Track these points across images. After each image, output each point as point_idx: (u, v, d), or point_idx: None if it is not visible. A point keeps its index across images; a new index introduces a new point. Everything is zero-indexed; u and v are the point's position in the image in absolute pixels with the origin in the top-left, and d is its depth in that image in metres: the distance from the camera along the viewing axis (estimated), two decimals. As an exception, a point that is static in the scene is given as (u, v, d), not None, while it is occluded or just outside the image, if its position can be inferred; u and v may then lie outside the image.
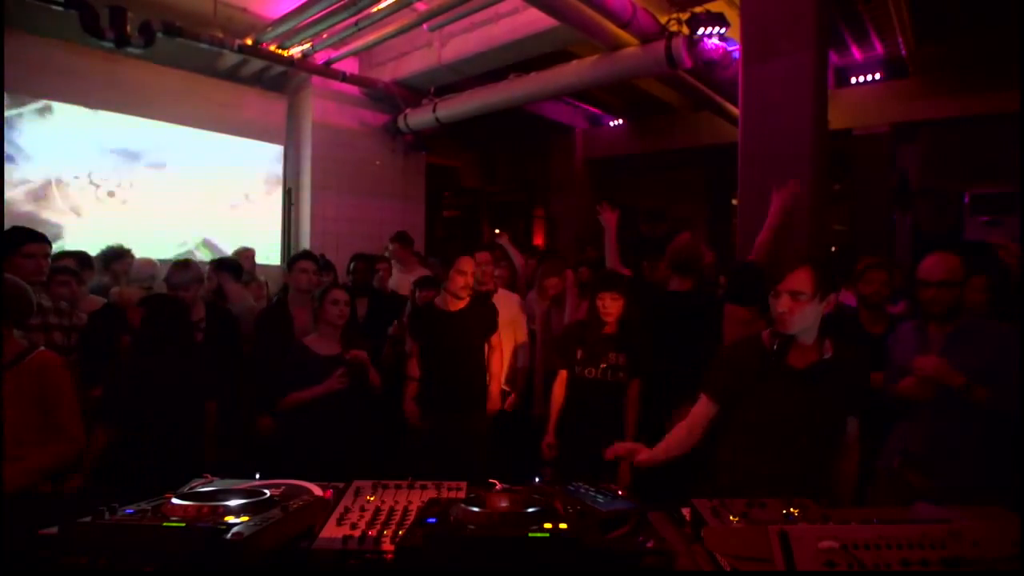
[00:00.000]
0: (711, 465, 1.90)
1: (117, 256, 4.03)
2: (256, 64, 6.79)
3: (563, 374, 2.82)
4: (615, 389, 2.70)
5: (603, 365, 2.71)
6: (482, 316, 3.05)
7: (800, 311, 1.72)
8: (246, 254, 5.00)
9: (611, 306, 2.69)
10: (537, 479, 1.50)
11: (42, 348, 1.97)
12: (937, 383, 1.98)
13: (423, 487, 1.44)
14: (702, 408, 1.89)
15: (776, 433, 1.77)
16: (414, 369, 3.04)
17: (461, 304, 2.95)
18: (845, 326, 2.83)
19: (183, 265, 3.19)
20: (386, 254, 5.01)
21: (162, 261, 4.38)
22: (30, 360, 1.90)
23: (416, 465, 2.85)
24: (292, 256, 3.84)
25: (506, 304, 3.50)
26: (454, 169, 10.70)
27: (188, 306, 2.94)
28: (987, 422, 2.01)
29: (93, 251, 4.09)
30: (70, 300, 2.96)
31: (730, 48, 5.46)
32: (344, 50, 6.66)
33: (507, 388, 3.40)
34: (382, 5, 5.45)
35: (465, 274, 2.90)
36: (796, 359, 1.78)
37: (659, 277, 3.96)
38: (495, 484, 1.40)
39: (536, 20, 5.72)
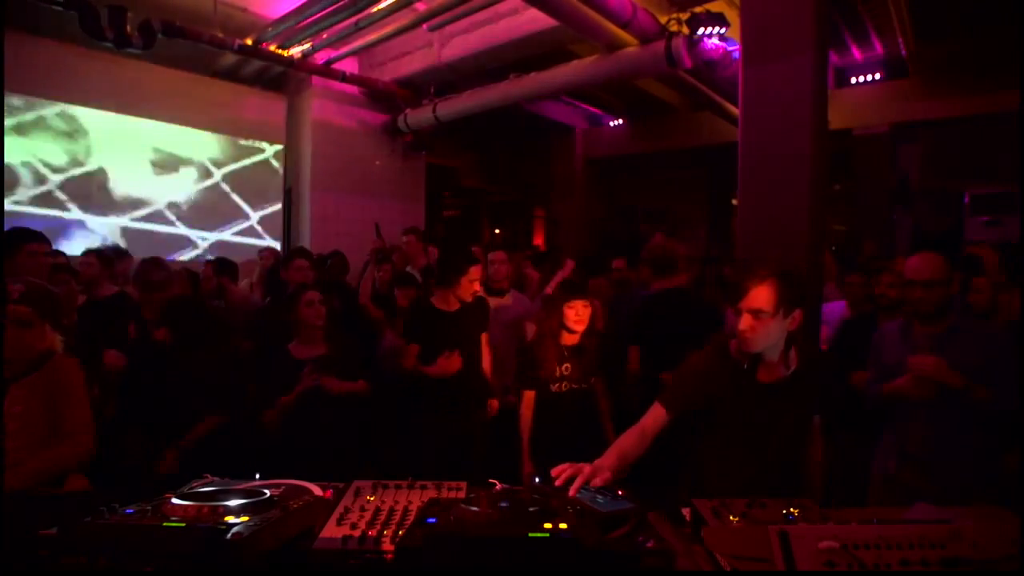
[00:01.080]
0: (693, 469, 1.90)
1: (117, 257, 4.04)
2: (256, 64, 6.79)
3: (530, 395, 2.72)
4: (588, 395, 2.71)
5: (577, 375, 2.68)
6: (477, 314, 3.05)
7: (763, 329, 1.66)
8: (269, 253, 4.94)
9: (583, 313, 2.65)
10: (537, 479, 1.50)
11: (58, 353, 1.96)
12: (935, 383, 1.98)
13: (423, 487, 1.44)
14: (658, 415, 1.76)
15: (746, 446, 1.77)
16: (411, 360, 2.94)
17: (456, 304, 2.94)
18: (863, 328, 2.83)
19: (154, 263, 3.11)
20: (403, 247, 5.00)
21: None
22: (48, 366, 1.91)
23: (416, 465, 2.84)
24: (286, 254, 3.84)
25: (518, 305, 3.56)
26: (454, 169, 10.71)
27: (211, 309, 2.95)
28: (985, 422, 2.01)
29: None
30: (68, 298, 2.95)
31: (730, 48, 5.46)
32: (344, 50, 6.66)
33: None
34: (382, 5, 5.45)
35: (475, 281, 2.90)
36: (763, 375, 1.76)
37: (642, 278, 4.00)
38: (495, 484, 1.40)
39: (536, 20, 5.72)
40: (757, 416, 1.75)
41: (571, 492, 1.36)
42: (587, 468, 1.44)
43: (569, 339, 2.69)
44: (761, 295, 1.66)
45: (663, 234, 3.30)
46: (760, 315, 1.66)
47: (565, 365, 2.69)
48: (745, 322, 1.67)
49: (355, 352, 2.91)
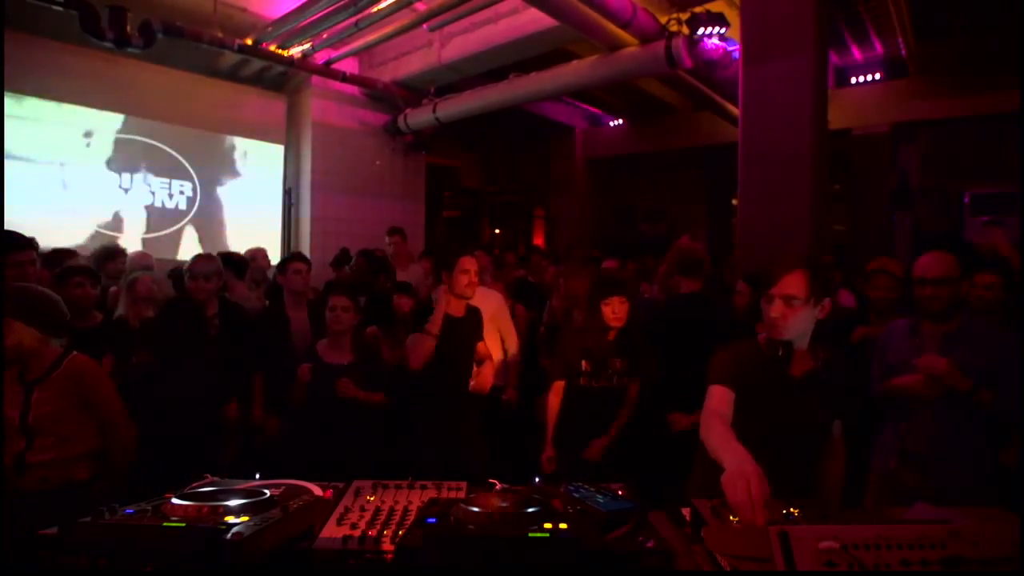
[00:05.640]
0: (698, 465, 1.89)
1: (110, 256, 3.99)
2: (256, 64, 6.79)
3: (559, 384, 2.78)
4: (616, 394, 2.70)
5: (610, 372, 2.69)
6: (476, 321, 3.02)
7: (794, 316, 1.67)
8: (259, 254, 4.87)
9: (620, 310, 2.66)
10: (537, 479, 1.50)
11: (75, 353, 2.01)
12: (943, 384, 1.98)
13: (423, 487, 1.44)
14: (725, 396, 1.70)
15: (768, 438, 1.74)
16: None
17: (463, 309, 2.89)
18: (852, 330, 2.82)
19: (207, 257, 3.11)
20: (388, 249, 5.01)
21: (158, 259, 4.38)
22: (66, 365, 1.96)
23: (416, 465, 2.84)
24: (283, 258, 3.82)
25: (486, 299, 3.50)
26: (454, 169, 10.71)
27: (205, 307, 2.94)
28: (987, 423, 2.01)
29: (90, 250, 4.08)
30: (84, 302, 2.79)
31: (730, 48, 5.46)
32: (344, 50, 6.67)
33: (499, 383, 3.40)
34: (382, 5, 5.45)
35: (468, 272, 2.81)
36: (794, 367, 1.76)
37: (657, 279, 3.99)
38: (495, 484, 1.40)
39: (536, 20, 5.73)
40: (785, 408, 1.73)
41: (759, 521, 1.15)
42: (758, 492, 1.19)
43: (612, 335, 2.70)
44: (794, 282, 1.67)
45: (689, 235, 3.29)
46: (792, 302, 1.66)
47: (596, 360, 2.70)
48: (777, 308, 1.68)
49: (379, 360, 2.92)
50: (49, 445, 1.86)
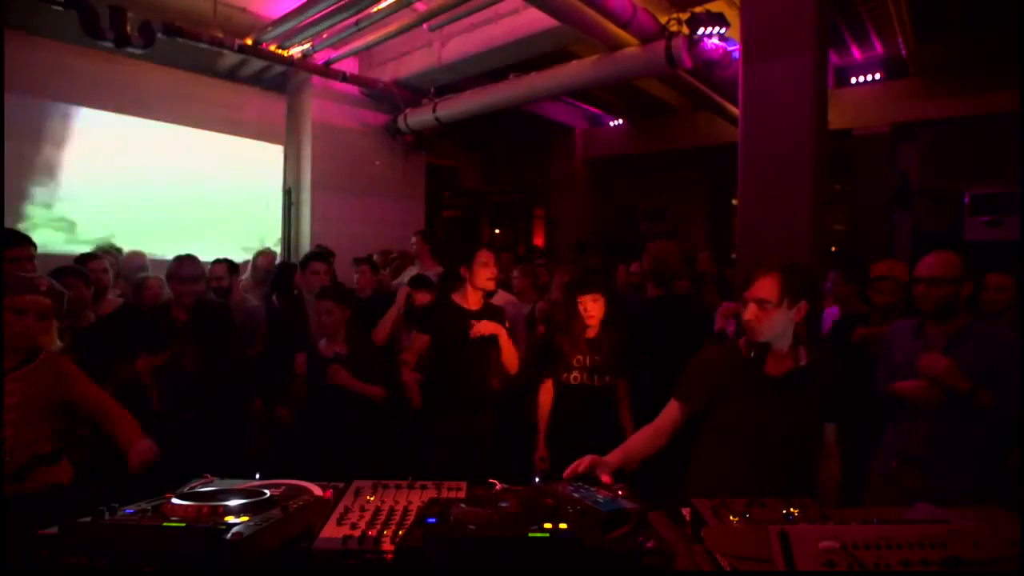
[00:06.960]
0: (688, 470, 1.89)
1: (94, 256, 3.98)
2: (256, 64, 6.79)
3: (548, 383, 2.78)
4: (602, 392, 2.69)
5: (591, 369, 2.70)
6: (494, 318, 3.00)
7: (767, 319, 1.71)
8: (268, 256, 4.85)
9: (592, 308, 2.66)
10: (537, 479, 1.50)
11: (45, 351, 2.00)
12: (944, 386, 1.97)
13: (423, 487, 1.44)
14: (673, 412, 1.83)
15: (752, 440, 1.75)
16: (411, 354, 2.94)
17: (481, 303, 2.89)
18: (850, 329, 2.83)
19: (190, 259, 3.07)
20: (412, 248, 5.04)
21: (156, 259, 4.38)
22: (45, 358, 1.96)
23: (417, 465, 2.84)
24: (303, 257, 3.88)
25: (499, 300, 3.53)
26: (454, 169, 10.70)
27: (230, 310, 3.10)
28: (988, 424, 2.00)
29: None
30: (78, 304, 2.81)
31: (730, 48, 5.46)
32: (344, 50, 6.66)
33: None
34: (382, 5, 5.45)
35: (488, 265, 2.82)
36: (772, 367, 1.77)
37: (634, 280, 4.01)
38: (495, 484, 1.40)
39: (536, 20, 5.72)
40: (765, 409, 1.74)
41: (564, 474, 1.48)
42: (587, 459, 1.54)
43: (584, 332, 2.70)
44: (765, 285, 1.71)
45: (663, 239, 3.29)
46: (764, 305, 1.71)
47: (577, 357, 2.71)
48: (750, 311, 1.72)
49: (370, 354, 3.01)
50: (10, 436, 1.82)
